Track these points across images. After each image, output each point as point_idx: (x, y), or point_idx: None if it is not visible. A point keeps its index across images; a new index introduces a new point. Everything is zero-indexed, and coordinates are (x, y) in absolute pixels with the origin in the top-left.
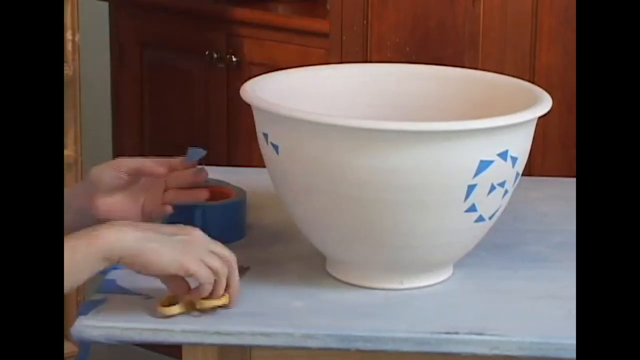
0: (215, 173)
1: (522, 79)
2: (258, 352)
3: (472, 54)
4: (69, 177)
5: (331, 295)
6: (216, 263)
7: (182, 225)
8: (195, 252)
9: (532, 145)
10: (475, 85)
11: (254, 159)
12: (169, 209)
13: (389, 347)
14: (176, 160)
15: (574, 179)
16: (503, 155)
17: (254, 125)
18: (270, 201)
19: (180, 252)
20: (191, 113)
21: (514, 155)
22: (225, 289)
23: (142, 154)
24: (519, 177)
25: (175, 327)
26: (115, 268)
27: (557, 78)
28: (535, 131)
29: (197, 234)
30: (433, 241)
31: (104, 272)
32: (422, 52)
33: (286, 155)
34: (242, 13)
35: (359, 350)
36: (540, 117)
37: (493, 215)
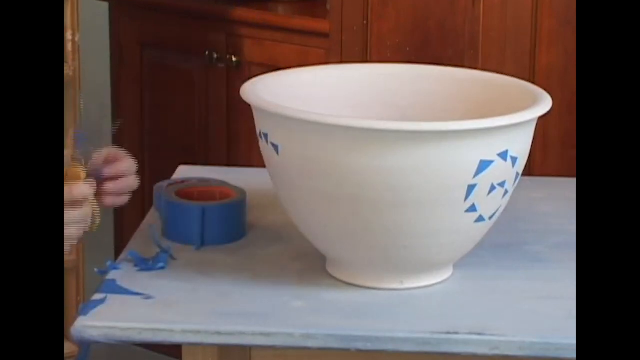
0: (215, 173)
1: (522, 79)
2: (258, 352)
3: (472, 54)
4: None
5: (331, 295)
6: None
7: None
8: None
9: (532, 145)
10: (475, 85)
11: (254, 159)
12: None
13: (389, 347)
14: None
15: (574, 179)
16: (503, 155)
17: (254, 125)
18: (270, 201)
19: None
20: (191, 113)
21: (514, 155)
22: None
23: (142, 153)
24: (519, 177)
25: (175, 327)
26: (115, 268)
27: (557, 78)
28: (535, 131)
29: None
30: (433, 241)
31: (104, 272)
32: (422, 52)
33: (286, 155)
34: (242, 13)
35: (359, 350)
36: (540, 117)
37: (493, 215)
